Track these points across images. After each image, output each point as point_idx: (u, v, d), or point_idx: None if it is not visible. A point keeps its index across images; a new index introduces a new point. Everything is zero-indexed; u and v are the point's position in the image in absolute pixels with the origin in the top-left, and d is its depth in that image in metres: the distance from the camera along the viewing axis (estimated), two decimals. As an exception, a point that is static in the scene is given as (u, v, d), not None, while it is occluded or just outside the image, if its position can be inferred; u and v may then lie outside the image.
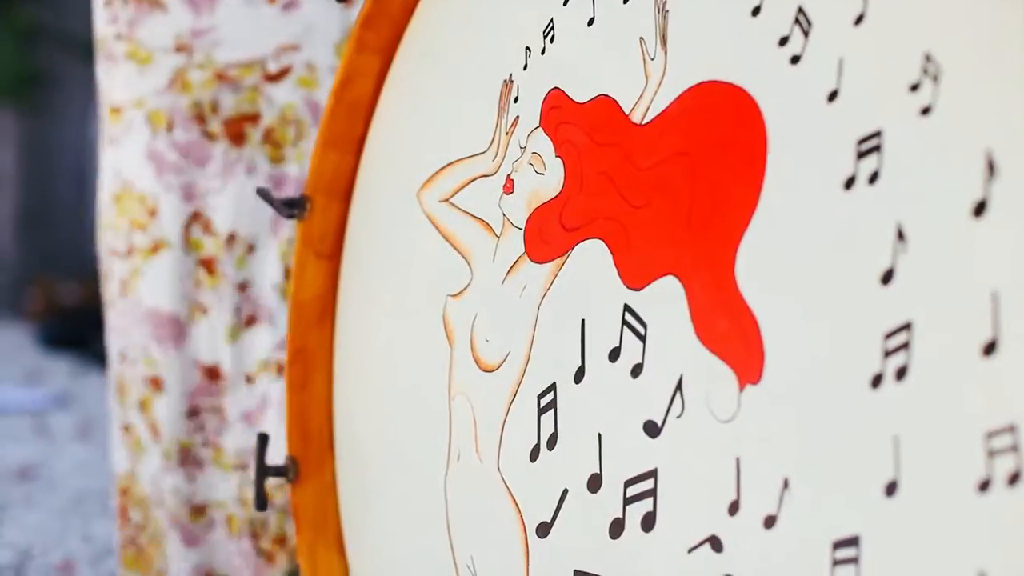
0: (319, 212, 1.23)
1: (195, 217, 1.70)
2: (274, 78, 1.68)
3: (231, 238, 1.70)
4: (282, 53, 1.68)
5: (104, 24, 1.72)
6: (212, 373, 1.71)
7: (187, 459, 1.72)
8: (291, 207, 1.23)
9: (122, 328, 1.74)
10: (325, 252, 1.24)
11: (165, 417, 1.72)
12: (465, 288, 1.10)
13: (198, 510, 1.73)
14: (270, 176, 1.69)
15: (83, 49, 1.70)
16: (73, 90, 5.34)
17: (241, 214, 1.70)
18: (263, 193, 1.26)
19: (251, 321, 1.71)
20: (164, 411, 1.72)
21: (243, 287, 1.70)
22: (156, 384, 1.72)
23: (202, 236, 1.70)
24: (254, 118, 1.69)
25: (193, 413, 1.72)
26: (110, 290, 1.76)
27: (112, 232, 1.74)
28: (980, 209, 0.75)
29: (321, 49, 1.69)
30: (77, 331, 4.59)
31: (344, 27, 1.69)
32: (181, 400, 1.72)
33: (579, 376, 0.99)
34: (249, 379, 1.71)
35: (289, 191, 1.69)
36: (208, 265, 1.70)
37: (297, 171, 1.70)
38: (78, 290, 5.09)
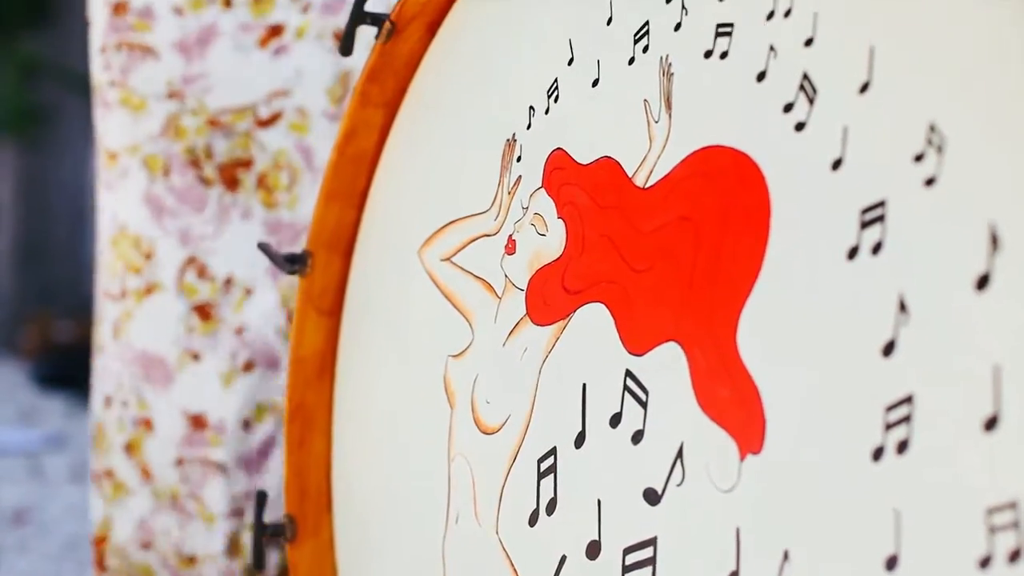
0: (320, 267, 1.23)
1: (190, 262, 1.70)
2: (265, 123, 1.69)
3: (228, 282, 1.70)
4: (273, 98, 1.68)
5: (99, 71, 1.72)
6: (198, 422, 1.71)
7: (175, 505, 1.72)
8: (292, 262, 1.23)
9: (112, 371, 1.74)
10: (325, 308, 1.24)
11: (155, 460, 1.72)
12: (466, 348, 1.10)
13: (188, 560, 1.73)
14: (265, 221, 1.69)
15: (83, 85, 1.72)
16: (72, 125, 5.34)
17: (238, 259, 1.70)
18: (264, 248, 1.26)
19: (249, 366, 1.70)
20: (154, 454, 1.72)
21: (239, 331, 1.70)
22: (147, 425, 1.72)
23: (196, 281, 1.70)
24: (247, 163, 1.69)
25: (178, 463, 1.71)
26: (102, 334, 1.76)
27: (108, 275, 1.74)
28: (983, 282, 0.75)
29: (312, 94, 1.69)
30: (72, 369, 4.58)
31: (336, 72, 1.69)
32: (169, 446, 1.71)
33: (580, 441, 0.99)
34: (247, 424, 1.70)
35: (284, 236, 1.69)
36: (202, 311, 1.70)
37: (290, 216, 1.70)
38: (73, 328, 5.08)
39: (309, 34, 1.68)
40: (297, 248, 1.65)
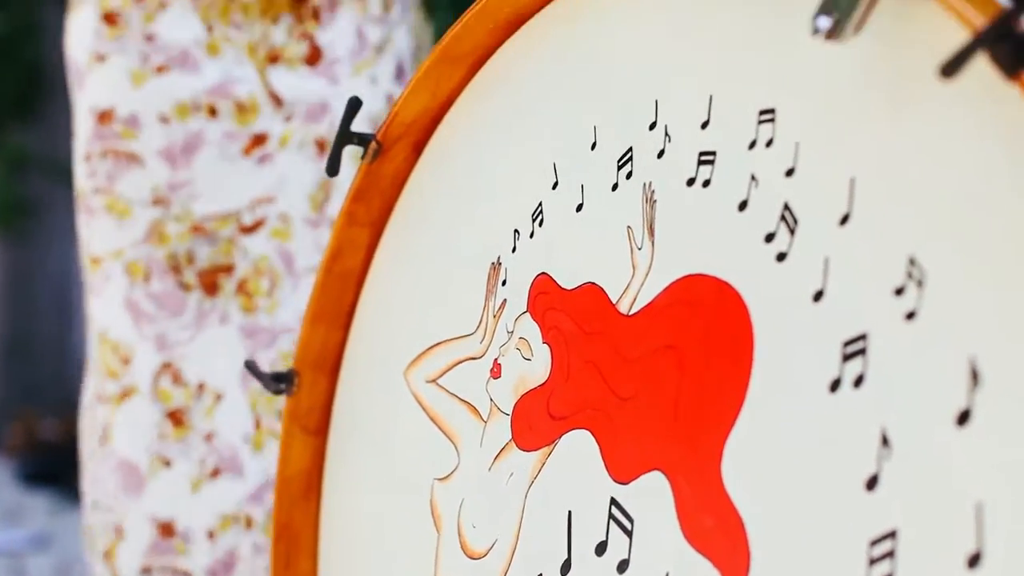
0: (306, 387, 1.24)
1: (165, 367, 1.71)
2: (249, 229, 1.70)
3: (200, 388, 1.70)
4: (257, 205, 1.70)
5: (83, 178, 1.74)
6: (166, 529, 1.71)
7: None
8: (279, 381, 1.23)
9: (97, 476, 1.74)
10: (311, 427, 1.24)
11: (125, 569, 1.72)
12: (452, 472, 1.10)
13: None
14: (242, 326, 1.70)
15: (71, 178, 1.74)
16: (60, 219, 5.35)
17: (210, 364, 1.71)
18: (251, 366, 1.27)
19: (216, 473, 1.71)
20: (125, 563, 1.72)
21: (209, 437, 1.70)
22: (120, 533, 1.72)
23: (171, 387, 1.71)
24: (228, 269, 1.70)
25: (145, 571, 1.71)
26: (92, 437, 1.76)
27: (97, 378, 1.75)
28: (964, 418, 0.75)
29: (295, 200, 1.71)
30: (57, 467, 4.56)
31: (317, 179, 1.71)
32: (137, 555, 1.71)
33: (565, 569, 0.99)
34: (211, 534, 1.70)
35: (260, 341, 1.70)
36: (175, 417, 1.71)
37: (269, 321, 1.71)
38: (58, 425, 5.07)
39: (292, 142, 1.70)
40: (274, 351, 1.67)
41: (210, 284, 1.70)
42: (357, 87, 1.72)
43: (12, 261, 5.49)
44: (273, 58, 1.71)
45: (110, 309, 1.73)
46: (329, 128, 1.71)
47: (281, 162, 1.70)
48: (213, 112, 1.69)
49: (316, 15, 1.71)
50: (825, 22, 0.83)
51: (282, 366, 1.68)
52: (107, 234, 1.72)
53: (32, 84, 5.27)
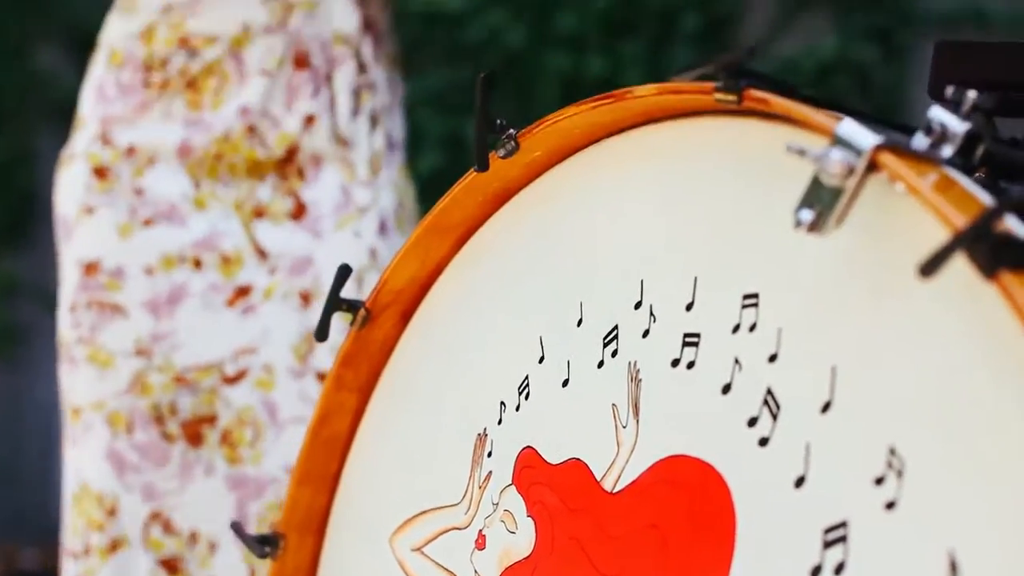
0: (292, 549, 1.24)
1: (155, 516, 1.71)
2: (232, 380, 1.71)
3: (193, 537, 1.70)
4: (240, 356, 1.71)
5: (67, 329, 1.75)
6: None
7: None
8: (264, 544, 1.24)
9: None
10: (296, 590, 1.25)
11: None
12: (435, 643, 1.11)
13: None
14: (227, 477, 1.71)
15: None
16: (48, 347, 5.34)
17: (201, 514, 1.71)
18: (236, 528, 1.27)
19: None
20: None
21: None
22: None
23: (162, 536, 1.70)
24: (211, 420, 1.71)
25: None
26: None
27: (70, 534, 1.74)
28: (944, 611, 0.76)
29: (279, 351, 1.72)
30: (36, 598, 4.53)
31: (301, 330, 1.72)
32: None
33: None
34: None
35: (248, 492, 1.70)
36: (169, 565, 1.70)
37: (254, 471, 1.71)
38: (39, 555, 5.03)
39: (276, 294, 1.71)
40: (261, 502, 1.67)
41: (194, 435, 1.71)
42: (341, 241, 1.73)
43: (1, 387, 5.48)
44: (259, 213, 1.73)
45: (91, 460, 1.73)
46: (313, 280, 1.72)
47: (265, 313, 1.72)
48: (198, 264, 1.71)
49: (301, 174, 1.74)
50: (807, 215, 0.85)
51: (271, 517, 1.68)
52: (89, 384, 1.73)
53: (24, 211, 5.29)
